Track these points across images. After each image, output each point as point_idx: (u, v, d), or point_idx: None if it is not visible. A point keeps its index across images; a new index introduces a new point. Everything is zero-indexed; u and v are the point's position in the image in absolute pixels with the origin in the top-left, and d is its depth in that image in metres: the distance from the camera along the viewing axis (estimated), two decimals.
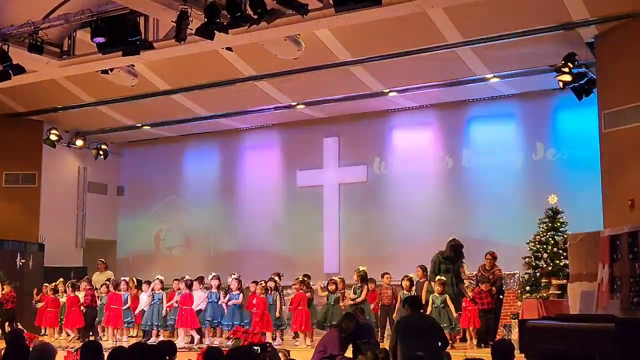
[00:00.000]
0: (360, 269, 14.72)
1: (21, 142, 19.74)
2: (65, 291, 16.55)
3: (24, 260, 18.10)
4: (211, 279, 15.30)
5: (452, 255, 13.93)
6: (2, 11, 13.52)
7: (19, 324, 16.26)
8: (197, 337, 15.09)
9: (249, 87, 16.96)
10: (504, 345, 6.98)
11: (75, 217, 20.82)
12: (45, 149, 19.73)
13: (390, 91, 17.03)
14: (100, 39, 12.53)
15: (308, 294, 14.70)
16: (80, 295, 16.43)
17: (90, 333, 16.09)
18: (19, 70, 13.66)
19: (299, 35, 13.36)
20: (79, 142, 20.27)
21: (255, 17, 11.17)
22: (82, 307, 16.32)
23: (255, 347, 9.63)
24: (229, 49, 14.20)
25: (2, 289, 16.74)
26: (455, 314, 13.29)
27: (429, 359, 6.38)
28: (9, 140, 19.64)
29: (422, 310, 10.89)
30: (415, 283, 14.28)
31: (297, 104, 18.12)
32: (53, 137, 19.31)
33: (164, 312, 15.32)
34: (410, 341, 9.04)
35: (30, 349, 7.09)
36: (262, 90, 17.13)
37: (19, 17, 13.22)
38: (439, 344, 9.43)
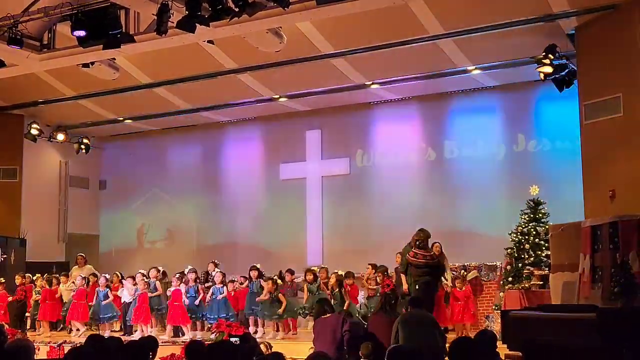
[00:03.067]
0: (338, 273, 14.60)
1: (2, 136, 19.62)
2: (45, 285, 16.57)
3: (5, 255, 17.99)
4: (188, 272, 15.28)
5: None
6: None
7: None
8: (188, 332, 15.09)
9: (230, 80, 16.92)
10: (487, 337, 7.02)
11: (57, 211, 20.72)
12: (26, 143, 19.58)
13: (372, 83, 17.05)
14: (81, 33, 12.42)
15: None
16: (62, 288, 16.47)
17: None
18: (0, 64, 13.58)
19: (280, 28, 13.34)
20: (61, 136, 20.10)
21: (237, 9, 11.13)
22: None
23: (235, 339, 9.62)
24: (210, 42, 14.14)
25: None
26: None
27: (428, 343, 6.42)
28: None
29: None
30: (395, 270, 14.31)
31: (280, 97, 18.10)
32: (34, 132, 19.15)
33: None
34: (411, 332, 9.15)
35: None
36: (244, 83, 17.08)
37: None
38: (437, 333, 9.54)
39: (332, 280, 14.38)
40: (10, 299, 16.60)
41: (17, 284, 16.67)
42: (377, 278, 14.01)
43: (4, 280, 16.77)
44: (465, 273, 15.08)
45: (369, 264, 15.02)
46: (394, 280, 13.80)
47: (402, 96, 18.00)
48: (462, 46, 14.89)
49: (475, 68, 15.94)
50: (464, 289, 13.56)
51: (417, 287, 13.16)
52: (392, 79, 16.90)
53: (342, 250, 17.84)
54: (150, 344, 7.06)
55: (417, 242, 13.28)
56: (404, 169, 18.20)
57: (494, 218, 16.18)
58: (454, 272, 14.83)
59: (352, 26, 14.16)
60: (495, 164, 17.12)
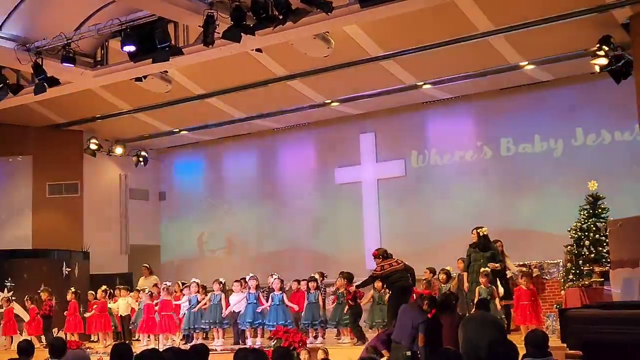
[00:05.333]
0: None
1: (63, 152, 20.12)
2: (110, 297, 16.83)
3: (69, 269, 18.35)
4: (249, 279, 15.35)
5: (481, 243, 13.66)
6: (35, 25, 13.70)
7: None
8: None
9: (282, 87, 16.98)
10: (537, 336, 6.85)
11: (119, 223, 21.10)
12: (86, 158, 20.06)
13: (423, 84, 16.92)
14: (131, 47, 12.67)
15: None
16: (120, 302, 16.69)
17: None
18: (54, 82, 13.85)
19: (327, 32, 13.31)
20: (119, 150, 20.57)
21: (281, 17, 11.16)
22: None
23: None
24: (258, 50, 14.21)
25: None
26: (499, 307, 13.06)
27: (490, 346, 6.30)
28: (50, 151, 20.06)
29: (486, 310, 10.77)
30: (455, 276, 14.18)
31: (331, 102, 18.10)
32: (93, 146, 19.61)
33: (223, 312, 15.39)
34: (473, 333, 9.05)
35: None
36: (295, 89, 17.14)
37: (51, 31, 13.38)
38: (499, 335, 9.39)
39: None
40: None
41: (68, 298, 16.91)
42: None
43: (75, 290, 17.02)
44: (529, 271, 14.80)
45: (427, 268, 14.89)
46: (452, 285, 13.74)
47: (455, 95, 17.80)
48: (514, 42, 14.65)
49: (528, 63, 15.67)
50: (530, 287, 13.23)
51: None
52: (443, 78, 16.73)
53: (401, 253, 17.44)
54: (200, 352, 7.09)
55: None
56: (460, 168, 18.01)
57: (553, 215, 15.87)
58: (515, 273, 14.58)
59: (399, 27, 14.05)
60: (553, 160, 16.79)
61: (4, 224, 20.31)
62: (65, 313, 16.76)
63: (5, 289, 17.56)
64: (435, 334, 10.16)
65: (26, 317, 16.82)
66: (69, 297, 16.82)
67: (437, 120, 18.40)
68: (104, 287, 17.06)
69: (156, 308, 15.79)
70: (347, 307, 14.19)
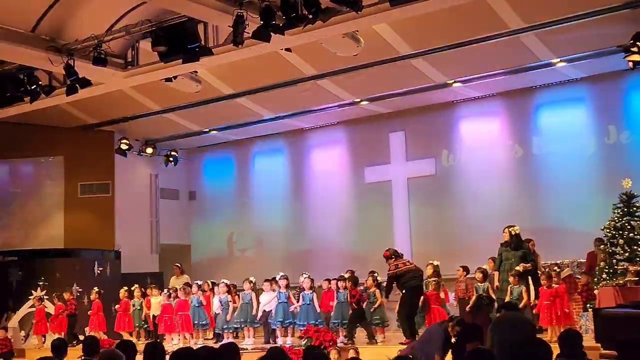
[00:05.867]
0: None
1: (94, 153, 20.29)
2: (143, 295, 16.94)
3: (101, 268, 18.50)
4: (279, 279, 15.36)
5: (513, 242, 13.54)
6: (66, 27, 13.83)
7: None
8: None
9: (311, 87, 16.98)
10: (570, 336, 6.77)
11: (150, 223, 21.24)
12: (117, 158, 20.21)
13: (454, 82, 16.83)
14: (161, 48, 12.75)
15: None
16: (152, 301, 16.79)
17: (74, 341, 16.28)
18: (86, 83, 13.96)
19: (357, 31, 13.27)
20: (149, 150, 20.72)
21: (310, 16, 11.15)
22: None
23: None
24: (288, 49, 14.22)
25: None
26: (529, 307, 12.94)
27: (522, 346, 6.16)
28: (82, 152, 20.25)
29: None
30: (488, 275, 14.07)
31: (361, 100, 18.07)
32: (124, 147, 19.76)
33: (254, 311, 15.42)
34: (506, 336, 8.92)
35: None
36: (324, 88, 17.12)
37: (83, 32, 13.52)
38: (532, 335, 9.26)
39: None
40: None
41: (92, 298, 17.04)
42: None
43: (99, 290, 17.18)
44: (559, 270, 14.64)
45: (460, 266, 14.79)
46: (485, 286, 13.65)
47: (486, 93, 17.70)
48: (545, 39, 14.51)
49: (560, 60, 15.51)
50: (553, 287, 13.05)
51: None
52: (474, 76, 16.62)
53: (431, 252, 17.49)
54: (230, 351, 7.05)
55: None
56: (491, 167, 17.88)
57: (586, 213, 15.71)
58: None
59: (429, 25, 13.98)
60: (586, 158, 16.61)
61: (36, 224, 20.54)
62: (89, 312, 16.90)
63: (38, 287, 17.75)
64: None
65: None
66: (92, 296, 16.99)
67: (467, 118, 18.28)
68: (125, 287, 17.19)
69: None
70: (350, 309, 14.31)
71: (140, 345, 8.05)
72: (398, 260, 13.58)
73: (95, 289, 17.15)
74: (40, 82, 14.74)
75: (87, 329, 16.80)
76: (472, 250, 16.79)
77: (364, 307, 14.23)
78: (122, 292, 16.91)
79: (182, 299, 15.97)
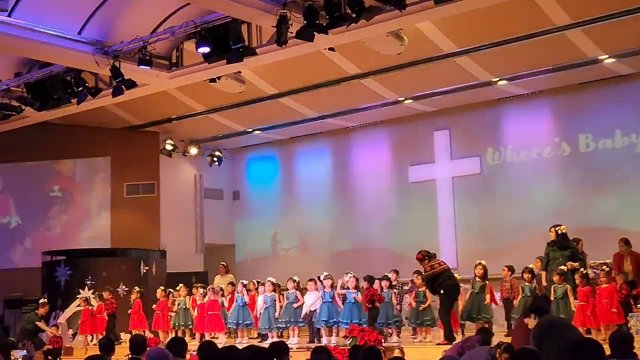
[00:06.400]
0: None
1: (140, 153, 20.54)
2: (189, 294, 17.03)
3: (147, 268, 18.65)
4: (324, 278, 15.34)
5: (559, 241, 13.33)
6: (112, 29, 13.99)
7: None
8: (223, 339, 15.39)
9: (354, 86, 16.94)
10: (621, 336, 6.62)
11: (194, 223, 21.38)
12: (162, 158, 20.42)
13: (499, 80, 16.64)
14: (205, 49, 12.85)
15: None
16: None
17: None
18: (131, 84, 14.13)
19: (400, 30, 13.19)
20: (194, 150, 20.87)
21: (354, 15, 11.12)
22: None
23: None
24: (331, 49, 14.19)
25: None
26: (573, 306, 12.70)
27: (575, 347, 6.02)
28: (128, 153, 20.52)
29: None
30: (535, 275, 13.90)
31: (405, 99, 17.97)
32: (169, 147, 19.96)
33: (276, 314, 15.47)
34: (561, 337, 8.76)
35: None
36: (368, 87, 17.07)
37: (128, 34, 13.66)
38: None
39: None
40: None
41: (132, 298, 17.15)
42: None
43: (140, 289, 17.33)
44: (585, 271, 14.32)
45: (505, 266, 14.61)
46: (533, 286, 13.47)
47: (532, 90, 17.48)
48: (592, 35, 14.27)
49: (608, 57, 15.25)
50: (588, 287, 12.75)
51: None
52: (519, 74, 16.43)
53: (476, 252, 17.33)
54: (280, 349, 7.06)
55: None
56: (538, 165, 17.67)
57: (635, 212, 15.41)
58: (595, 270, 14.16)
59: (473, 23, 13.85)
60: (635, 155, 16.32)
61: (84, 224, 20.87)
62: (129, 311, 17.08)
63: (86, 287, 17.97)
64: None
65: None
66: (133, 296, 17.09)
67: (513, 116, 18.08)
68: (162, 287, 17.31)
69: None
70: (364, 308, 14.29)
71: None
72: (432, 260, 13.49)
73: (136, 288, 17.27)
74: (86, 84, 14.98)
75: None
76: (517, 250, 16.63)
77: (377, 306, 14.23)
78: (159, 292, 17.03)
79: (211, 298, 16.04)
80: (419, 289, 14.30)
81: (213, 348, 7.22)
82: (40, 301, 17.02)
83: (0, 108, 15.70)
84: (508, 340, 10.02)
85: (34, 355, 15.94)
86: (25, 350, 15.51)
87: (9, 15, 12.85)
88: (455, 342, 12.19)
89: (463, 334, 13.61)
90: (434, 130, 19.03)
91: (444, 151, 18.94)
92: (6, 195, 21.41)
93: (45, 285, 18.55)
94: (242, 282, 16.44)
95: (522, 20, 13.81)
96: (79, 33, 13.92)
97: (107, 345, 8.77)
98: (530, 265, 14.04)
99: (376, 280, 15.23)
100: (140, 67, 13.57)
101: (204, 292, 16.37)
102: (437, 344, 13.11)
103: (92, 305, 17.47)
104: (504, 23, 13.92)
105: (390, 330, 14.56)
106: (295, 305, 15.03)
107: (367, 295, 14.26)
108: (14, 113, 16.00)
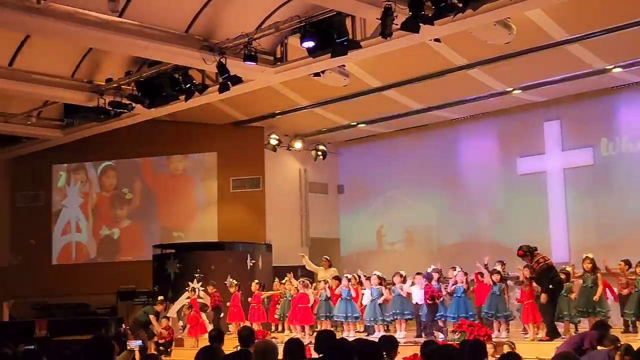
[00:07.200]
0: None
1: (245, 148, 20.80)
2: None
3: (254, 261, 18.86)
4: (432, 271, 15.13)
5: None
6: (218, 26, 14.18)
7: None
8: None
9: (461, 77, 16.59)
10: None
11: (299, 217, 21.51)
12: (267, 153, 20.61)
13: (613, 67, 15.97)
14: (310, 43, 12.83)
15: None
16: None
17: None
18: (237, 80, 14.27)
19: (509, 18, 12.81)
20: (298, 145, 20.96)
21: (461, 5, 10.84)
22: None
23: None
24: (437, 40, 13.92)
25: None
26: None
27: None
28: (234, 148, 20.82)
29: None
30: None
31: (513, 90, 17.51)
32: (273, 142, 20.11)
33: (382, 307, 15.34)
34: None
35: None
36: (475, 78, 16.69)
37: (234, 30, 13.81)
38: None
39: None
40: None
41: (231, 291, 17.30)
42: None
43: (237, 282, 17.49)
44: None
45: (621, 260, 14.04)
46: None
47: None
48: None
49: None
50: None
51: None
52: (635, 60, 15.70)
53: (590, 245, 16.76)
54: (389, 342, 7.03)
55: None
56: None
57: None
58: None
59: (586, 9, 13.34)
60: None
61: (192, 218, 21.32)
62: (227, 304, 17.28)
63: (195, 279, 18.32)
64: None
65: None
66: (231, 289, 17.31)
67: (629, 105, 17.35)
68: (256, 280, 17.43)
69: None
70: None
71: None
72: (538, 255, 13.16)
73: (234, 281, 17.46)
74: (194, 81, 15.24)
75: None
76: (633, 243, 15.94)
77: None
78: (254, 285, 17.18)
79: (301, 292, 16.12)
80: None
81: (331, 338, 7.24)
82: (159, 298, 17.54)
83: (112, 106, 16.16)
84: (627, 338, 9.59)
85: (148, 345, 16.46)
86: (140, 340, 16.02)
87: (119, 16, 13.18)
88: (568, 337, 11.85)
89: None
90: (544, 121, 18.52)
91: (554, 142, 18.40)
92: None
93: (155, 277, 19.01)
94: (347, 276, 16.44)
95: (637, 5, 13.17)
96: (186, 31, 14.16)
97: (217, 337, 8.89)
98: None
99: (419, 276, 15.05)
100: (246, 63, 13.67)
101: (302, 283, 16.53)
102: (539, 340, 12.78)
103: (202, 298, 17.84)
104: (619, 8, 13.34)
105: (499, 324, 14.21)
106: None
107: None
108: (125, 110, 16.46)
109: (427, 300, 14.40)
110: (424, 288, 14.59)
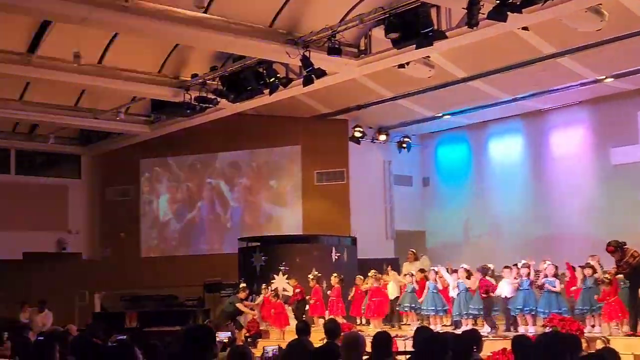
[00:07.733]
0: None
1: (329, 141, 20.79)
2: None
3: (339, 254, 18.84)
4: (521, 266, 14.78)
5: None
6: (301, 20, 14.18)
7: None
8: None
9: (550, 65, 16.15)
10: None
11: (384, 210, 21.38)
12: (351, 146, 20.54)
13: None
14: (394, 35, 12.69)
15: None
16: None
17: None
18: (321, 73, 14.25)
19: (600, 4, 12.36)
20: (382, 137, 20.86)
21: None
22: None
23: None
24: (525, 28, 13.58)
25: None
26: None
27: None
28: (317, 141, 20.85)
29: None
30: None
31: (605, 78, 16.98)
32: (357, 134, 20.04)
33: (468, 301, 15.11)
34: None
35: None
36: (564, 67, 16.23)
37: (317, 23, 13.76)
38: None
39: None
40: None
41: (310, 285, 17.35)
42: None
43: (316, 276, 17.52)
44: None
45: None
46: None
47: None
48: None
49: None
50: None
51: None
52: None
53: None
54: (473, 337, 6.92)
55: None
56: None
57: None
58: None
59: None
60: None
61: (277, 211, 21.46)
62: (307, 297, 17.31)
63: (280, 272, 18.42)
64: None
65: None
66: (311, 284, 17.36)
67: None
68: (335, 274, 17.34)
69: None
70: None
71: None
72: (628, 249, 12.84)
73: (311, 276, 17.47)
74: (278, 75, 15.30)
75: (326, 312, 17.20)
76: None
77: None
78: (333, 279, 17.19)
79: (374, 286, 16.11)
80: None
81: (428, 332, 7.25)
82: (241, 285, 17.71)
83: (198, 101, 16.39)
84: None
85: (237, 336, 16.66)
86: (229, 332, 16.22)
87: (204, 12, 13.31)
88: None
89: None
90: (638, 110, 17.89)
91: None
92: None
93: (241, 270, 19.21)
94: (434, 269, 16.27)
95: None
96: (270, 25, 14.21)
97: (304, 330, 8.90)
98: None
99: (507, 269, 14.64)
100: (330, 55, 13.61)
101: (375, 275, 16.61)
102: (626, 335, 12.43)
103: (287, 291, 17.94)
104: None
105: (592, 318, 13.79)
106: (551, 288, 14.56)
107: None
108: (210, 105, 16.67)
109: (482, 294, 14.32)
110: (479, 282, 14.48)
